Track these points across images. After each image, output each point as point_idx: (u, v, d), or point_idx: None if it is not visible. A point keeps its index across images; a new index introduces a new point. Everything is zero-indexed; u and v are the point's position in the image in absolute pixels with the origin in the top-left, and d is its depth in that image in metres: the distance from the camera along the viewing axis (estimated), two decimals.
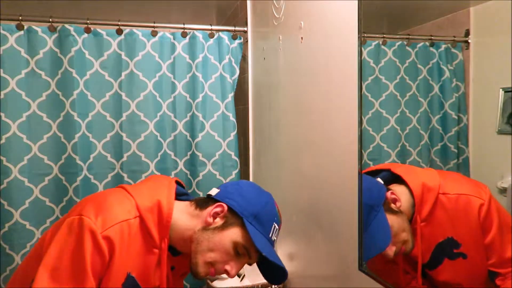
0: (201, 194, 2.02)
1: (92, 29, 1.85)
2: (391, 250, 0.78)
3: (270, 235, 0.95)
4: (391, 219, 0.79)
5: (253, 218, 0.94)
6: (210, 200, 0.99)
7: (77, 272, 0.83)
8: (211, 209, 0.95)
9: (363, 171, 0.92)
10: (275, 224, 0.98)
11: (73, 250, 0.84)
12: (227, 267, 0.94)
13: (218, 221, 0.94)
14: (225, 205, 0.95)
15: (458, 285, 0.72)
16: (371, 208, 0.85)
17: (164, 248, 0.93)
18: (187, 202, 1.01)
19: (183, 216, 0.96)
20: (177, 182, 1.05)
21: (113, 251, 0.85)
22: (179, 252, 1.01)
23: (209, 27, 2.01)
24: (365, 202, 0.89)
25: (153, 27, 1.93)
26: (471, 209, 0.68)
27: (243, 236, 0.93)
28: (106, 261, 0.85)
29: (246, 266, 1.75)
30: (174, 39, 1.98)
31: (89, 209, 0.88)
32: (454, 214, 0.71)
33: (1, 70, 1.71)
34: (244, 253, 0.94)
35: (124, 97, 1.89)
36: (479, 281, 0.69)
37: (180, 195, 1.03)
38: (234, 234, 0.93)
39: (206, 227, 0.93)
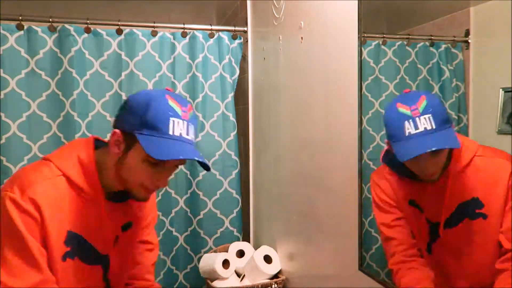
0: (201, 194, 2.02)
1: (92, 29, 1.85)
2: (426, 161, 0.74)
3: (171, 132, 0.87)
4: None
5: (142, 126, 0.87)
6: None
7: (17, 243, 0.84)
8: (111, 140, 0.93)
9: None
10: (173, 119, 0.88)
11: (4, 225, 0.85)
12: (157, 183, 0.93)
13: (122, 147, 0.91)
14: (117, 130, 0.92)
15: (470, 248, 0.74)
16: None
17: (99, 198, 0.94)
18: (104, 147, 0.99)
19: (105, 160, 0.95)
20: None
21: (41, 211, 0.86)
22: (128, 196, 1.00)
23: (209, 27, 2.01)
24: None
25: (153, 27, 1.93)
26: (504, 173, 0.69)
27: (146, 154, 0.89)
28: (39, 221, 0.86)
29: (246, 266, 1.76)
30: (174, 39, 1.98)
31: (5, 185, 0.90)
32: (486, 175, 0.72)
33: (1, 70, 1.71)
34: (159, 162, 0.89)
35: (124, 97, 1.89)
36: (490, 246, 0.71)
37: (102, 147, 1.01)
38: (138, 152, 0.89)
39: (118, 158, 0.92)
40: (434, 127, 0.71)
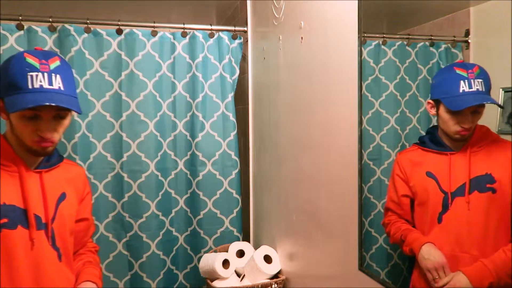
0: (201, 194, 2.02)
1: (92, 29, 1.85)
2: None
3: (31, 86, 0.93)
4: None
5: (7, 89, 0.95)
6: None
7: None
8: None
9: None
10: (30, 73, 0.93)
11: None
12: (41, 134, 0.98)
13: (4, 115, 1.00)
14: None
15: (477, 219, 0.83)
16: None
17: (21, 168, 1.02)
18: None
19: (8, 132, 1.04)
20: None
21: None
22: (54, 162, 1.10)
23: (209, 27, 2.01)
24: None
25: (153, 27, 1.93)
26: None
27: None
28: None
29: (246, 266, 1.76)
30: (174, 39, 1.98)
31: None
32: (501, 157, 0.80)
33: None
34: (34, 115, 0.96)
35: (124, 97, 1.89)
36: (496, 219, 0.80)
37: None
38: (13, 113, 0.97)
39: (9, 125, 1.02)
40: (484, 90, 0.80)
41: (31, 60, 0.95)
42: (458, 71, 0.82)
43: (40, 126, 0.97)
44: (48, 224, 1.03)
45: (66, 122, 1.04)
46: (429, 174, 0.93)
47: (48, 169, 1.07)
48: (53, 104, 0.93)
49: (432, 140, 0.92)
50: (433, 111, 0.90)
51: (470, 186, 0.84)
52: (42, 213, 1.02)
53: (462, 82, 0.81)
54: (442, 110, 0.87)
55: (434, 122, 0.90)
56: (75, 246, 1.17)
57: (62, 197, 1.09)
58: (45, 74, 0.95)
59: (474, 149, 0.85)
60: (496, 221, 0.80)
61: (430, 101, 0.90)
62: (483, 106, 0.81)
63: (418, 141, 0.96)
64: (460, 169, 0.86)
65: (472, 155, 0.85)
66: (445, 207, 0.88)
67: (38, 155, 1.03)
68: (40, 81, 0.94)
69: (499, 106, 0.73)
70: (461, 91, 0.82)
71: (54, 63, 0.97)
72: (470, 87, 0.81)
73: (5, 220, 0.97)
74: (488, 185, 0.81)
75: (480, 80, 0.79)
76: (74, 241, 1.16)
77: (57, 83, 0.96)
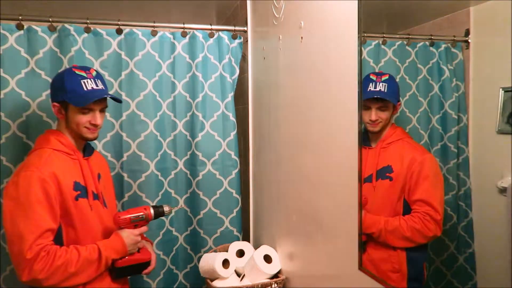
0: (201, 194, 2.02)
1: (92, 28, 1.85)
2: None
3: (86, 88, 1.35)
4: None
5: (66, 93, 1.34)
6: None
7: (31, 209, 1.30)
8: (55, 111, 1.41)
9: None
10: (82, 80, 1.35)
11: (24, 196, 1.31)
12: (93, 122, 1.39)
13: (63, 112, 1.39)
14: (55, 103, 1.39)
15: (376, 199, 1.06)
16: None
17: (78, 155, 1.43)
18: (58, 124, 1.47)
19: (63, 129, 1.43)
20: None
21: (56, 175, 1.31)
22: (91, 151, 1.52)
23: (209, 26, 2.01)
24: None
25: (153, 26, 1.93)
26: (410, 156, 0.98)
27: (75, 107, 1.36)
28: (55, 183, 1.31)
29: (246, 266, 1.76)
30: (174, 38, 1.98)
31: (19, 168, 1.36)
32: (400, 153, 1.01)
33: (1, 70, 1.71)
34: (87, 109, 1.37)
35: (124, 96, 1.89)
36: (395, 203, 1.01)
37: None
38: (72, 109, 1.37)
39: (65, 121, 1.41)
40: (386, 91, 1.01)
41: (79, 72, 1.38)
42: (371, 76, 1.03)
43: (93, 117, 1.39)
44: (100, 194, 1.45)
45: (105, 113, 1.47)
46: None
47: (89, 156, 1.48)
48: (108, 96, 1.41)
49: (364, 137, 1.11)
50: None
51: (376, 175, 1.05)
52: (94, 187, 1.43)
53: (371, 83, 1.03)
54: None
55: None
56: None
57: (99, 176, 1.50)
58: (92, 80, 1.38)
59: (384, 145, 1.04)
60: (391, 202, 1.02)
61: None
62: (386, 104, 1.01)
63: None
64: (372, 160, 1.06)
65: (382, 150, 1.05)
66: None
67: (89, 140, 1.44)
68: (91, 85, 1.37)
69: (387, 99, 0.95)
70: (368, 89, 1.03)
71: (94, 72, 1.42)
72: (375, 87, 1.01)
73: (79, 192, 1.37)
74: (387, 174, 1.03)
75: (385, 84, 1.00)
76: None
77: (100, 84, 1.41)
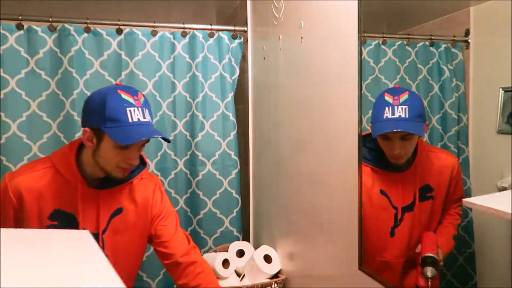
0: (201, 194, 2.02)
1: (92, 28, 1.85)
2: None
3: (131, 120, 1.05)
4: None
5: (105, 121, 1.05)
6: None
7: None
8: (84, 137, 1.11)
9: None
10: (129, 108, 1.06)
11: None
12: (130, 162, 1.12)
13: (95, 141, 1.10)
14: (87, 129, 1.09)
15: (422, 224, 0.93)
16: None
17: (79, 185, 1.14)
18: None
19: (84, 154, 1.16)
20: None
21: (21, 196, 1.11)
22: (115, 183, 1.20)
23: (209, 26, 2.01)
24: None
25: (153, 26, 1.93)
26: (447, 165, 0.86)
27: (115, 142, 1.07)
28: (15, 204, 1.12)
29: (246, 266, 1.76)
30: (174, 38, 1.98)
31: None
32: (435, 166, 0.89)
33: (1, 70, 1.71)
34: (127, 145, 1.09)
35: None
36: (438, 215, 0.90)
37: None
38: (107, 141, 1.08)
39: (93, 150, 1.12)
40: (407, 116, 0.86)
41: (126, 96, 1.08)
42: (386, 97, 0.88)
43: (131, 155, 1.11)
44: (99, 235, 1.16)
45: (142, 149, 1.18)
46: (382, 192, 1.01)
47: (112, 188, 1.19)
48: (159, 137, 1.08)
49: (379, 160, 0.96)
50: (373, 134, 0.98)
51: (416, 198, 0.91)
52: (93, 226, 1.16)
53: (387, 108, 0.88)
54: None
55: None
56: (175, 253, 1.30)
57: (118, 211, 1.20)
58: (140, 109, 1.09)
59: (418, 168, 0.92)
60: (436, 217, 0.91)
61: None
62: (410, 133, 0.89)
63: (365, 157, 1.03)
64: (409, 185, 0.93)
65: (417, 171, 0.92)
66: (396, 222, 0.97)
67: (116, 178, 1.16)
68: (138, 115, 1.08)
69: (412, 132, 0.84)
70: (384, 117, 0.89)
71: (142, 99, 1.13)
72: (393, 113, 0.87)
73: (54, 223, 1.12)
74: (428, 194, 0.90)
75: (404, 106, 0.86)
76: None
77: (147, 116, 1.11)
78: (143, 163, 1.28)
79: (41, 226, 1.11)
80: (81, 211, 1.14)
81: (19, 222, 1.12)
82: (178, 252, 1.30)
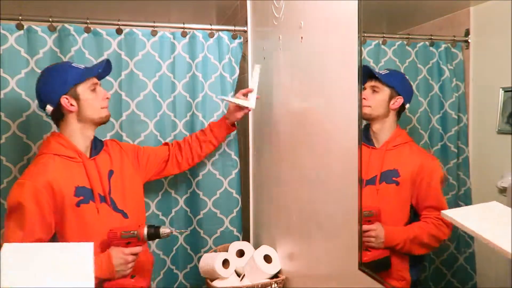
0: (201, 194, 2.02)
1: (92, 28, 1.85)
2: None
3: (83, 67, 1.39)
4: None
5: (69, 79, 1.35)
6: None
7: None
8: (65, 108, 1.36)
9: None
10: (76, 65, 1.39)
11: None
12: (105, 96, 1.43)
13: (74, 102, 1.37)
14: (62, 98, 1.35)
15: (382, 203, 1.04)
16: None
17: (82, 157, 1.38)
18: (61, 125, 1.42)
19: (68, 128, 1.40)
20: None
21: (51, 186, 1.29)
22: (99, 149, 1.47)
23: (209, 26, 2.01)
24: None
25: (153, 26, 1.93)
26: (417, 161, 0.96)
27: (85, 87, 1.39)
28: (50, 193, 1.30)
29: (246, 266, 1.76)
30: (174, 38, 1.98)
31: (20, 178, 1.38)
32: (407, 157, 0.98)
33: (1, 70, 1.71)
34: (95, 86, 1.41)
35: (124, 96, 1.89)
36: (401, 208, 0.99)
37: None
38: (83, 92, 1.38)
39: (76, 113, 1.38)
40: (383, 74, 0.99)
41: (67, 62, 1.45)
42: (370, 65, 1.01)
43: (102, 92, 1.42)
44: (106, 196, 1.39)
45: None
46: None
47: (97, 155, 1.44)
48: (105, 62, 1.44)
49: (366, 135, 1.08)
50: None
51: (380, 177, 1.02)
52: (100, 189, 1.38)
53: (369, 67, 1.00)
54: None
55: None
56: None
57: (110, 173, 1.45)
58: (81, 65, 1.42)
59: (389, 147, 1.01)
60: (397, 207, 1.00)
61: None
62: (377, 86, 0.99)
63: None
64: (376, 162, 1.03)
65: (387, 152, 1.02)
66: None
67: (106, 121, 1.45)
68: (85, 65, 1.42)
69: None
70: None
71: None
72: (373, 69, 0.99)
73: (81, 198, 1.33)
74: (393, 178, 1.00)
75: (387, 70, 0.98)
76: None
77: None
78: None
79: (72, 205, 1.30)
80: (92, 180, 1.36)
81: (57, 212, 1.30)
82: (166, 153, 1.71)
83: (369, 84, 1.01)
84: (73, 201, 1.30)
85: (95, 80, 1.40)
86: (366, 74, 1.02)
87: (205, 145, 1.78)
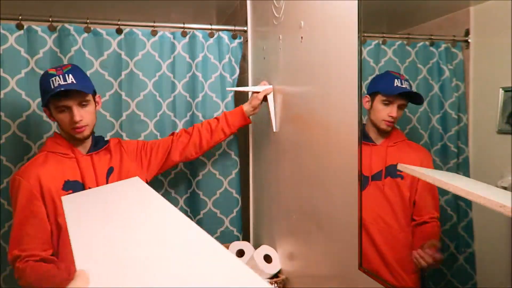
0: (201, 194, 2.02)
1: (92, 28, 1.85)
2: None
3: (53, 86, 1.32)
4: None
5: (43, 96, 1.37)
6: None
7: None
8: (53, 116, 1.41)
9: None
10: (51, 79, 1.33)
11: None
12: (74, 119, 1.36)
13: (53, 118, 1.41)
14: (44, 109, 1.43)
15: (386, 197, 1.04)
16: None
17: (75, 154, 1.43)
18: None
19: (61, 131, 1.46)
20: None
21: (39, 179, 1.35)
22: (99, 146, 1.51)
23: (209, 26, 2.01)
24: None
25: (153, 26, 1.93)
26: (417, 157, 0.96)
27: (53, 107, 1.38)
28: (37, 186, 1.35)
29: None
30: (174, 38, 1.98)
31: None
32: (408, 153, 0.98)
33: (1, 70, 1.71)
34: (66, 108, 1.36)
35: (124, 96, 1.89)
36: (406, 204, 0.98)
37: None
38: (54, 112, 1.38)
39: (57, 124, 1.44)
40: (412, 90, 0.96)
41: (51, 71, 1.36)
42: (393, 73, 0.99)
43: (71, 115, 1.35)
44: None
45: (89, 108, 1.41)
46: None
47: (96, 152, 1.48)
48: (62, 89, 1.30)
49: (364, 134, 1.10)
50: (368, 105, 1.07)
51: (385, 172, 1.03)
52: (94, 184, 1.41)
53: (396, 80, 0.99)
54: (376, 101, 1.04)
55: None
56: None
57: (110, 170, 1.49)
58: (61, 76, 1.33)
59: (391, 144, 1.03)
60: (402, 204, 1.00)
61: (367, 95, 1.06)
62: (405, 104, 0.98)
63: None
64: (379, 158, 1.05)
65: (389, 148, 1.03)
66: (363, 187, 1.10)
67: (79, 139, 1.42)
68: (58, 81, 1.33)
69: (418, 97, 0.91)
70: (395, 85, 0.99)
71: (67, 68, 1.37)
72: (401, 84, 0.98)
73: (70, 191, 1.35)
74: (398, 172, 1.00)
75: (408, 83, 0.96)
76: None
77: (70, 79, 1.33)
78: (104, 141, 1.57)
79: (59, 198, 1.28)
80: (85, 175, 1.41)
81: (49, 204, 1.35)
82: (169, 143, 1.71)
83: (397, 102, 1.00)
84: (61, 194, 1.34)
85: (61, 103, 1.34)
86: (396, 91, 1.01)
87: (216, 133, 1.75)
